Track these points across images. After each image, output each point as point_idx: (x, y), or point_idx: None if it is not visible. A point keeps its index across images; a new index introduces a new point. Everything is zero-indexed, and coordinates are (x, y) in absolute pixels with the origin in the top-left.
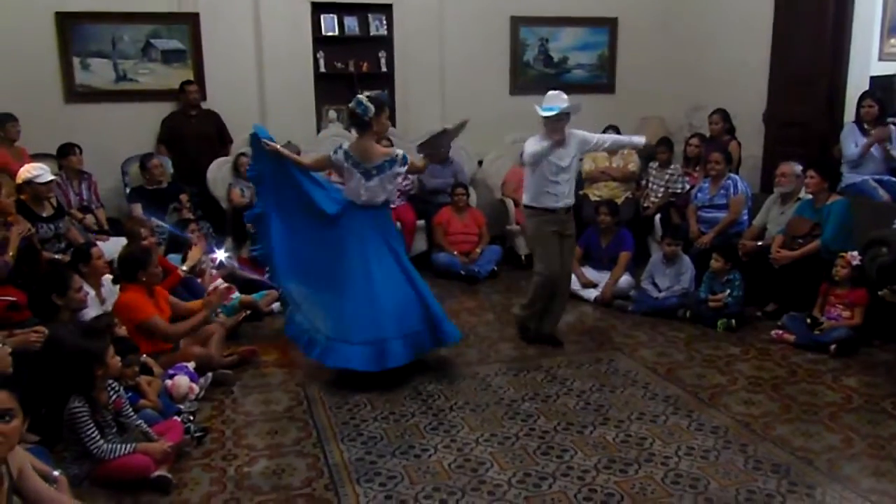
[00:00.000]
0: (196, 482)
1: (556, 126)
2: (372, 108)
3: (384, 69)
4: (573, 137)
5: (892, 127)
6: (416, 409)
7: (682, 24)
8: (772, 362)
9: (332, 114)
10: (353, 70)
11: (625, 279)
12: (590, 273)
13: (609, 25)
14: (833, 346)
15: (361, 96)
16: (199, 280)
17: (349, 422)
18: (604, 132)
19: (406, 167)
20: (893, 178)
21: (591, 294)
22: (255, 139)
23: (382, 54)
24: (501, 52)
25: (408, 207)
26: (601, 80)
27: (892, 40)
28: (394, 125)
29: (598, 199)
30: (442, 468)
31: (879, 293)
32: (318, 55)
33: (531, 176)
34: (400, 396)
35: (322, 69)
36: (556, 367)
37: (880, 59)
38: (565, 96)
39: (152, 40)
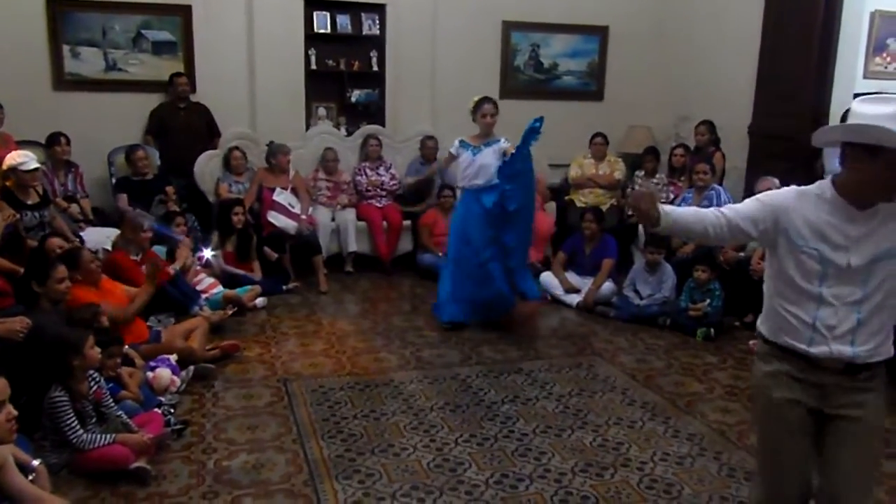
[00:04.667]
0: (175, 474)
1: None
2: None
3: (375, 69)
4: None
5: None
6: (397, 409)
7: (672, 36)
8: (748, 372)
9: (322, 111)
10: (344, 68)
11: (607, 286)
12: (573, 279)
13: (600, 34)
14: None
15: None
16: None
17: (329, 419)
18: (592, 139)
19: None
20: None
21: (574, 299)
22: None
23: (374, 54)
24: (492, 56)
25: (394, 207)
26: (590, 87)
27: (877, 59)
28: (383, 125)
29: (583, 205)
30: (420, 467)
31: None
32: (309, 52)
33: (773, 278)
34: (380, 395)
35: (313, 66)
36: (537, 370)
37: (865, 76)
38: None
39: (143, 31)
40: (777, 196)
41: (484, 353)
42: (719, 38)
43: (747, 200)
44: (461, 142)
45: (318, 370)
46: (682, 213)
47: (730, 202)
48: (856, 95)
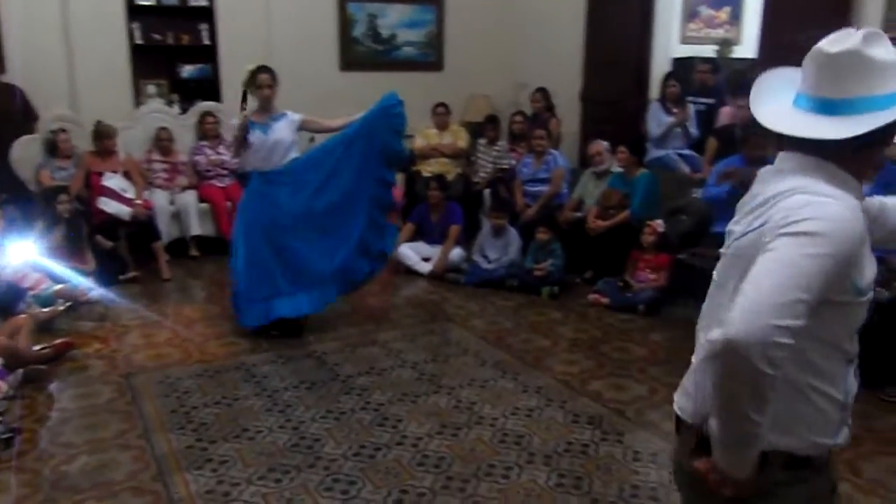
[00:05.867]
0: (4, 487)
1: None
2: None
3: (207, 42)
4: None
5: (692, 106)
6: (250, 392)
7: (506, 5)
8: (589, 324)
9: (152, 88)
10: (173, 42)
11: (456, 252)
12: (423, 248)
13: (436, 4)
14: (642, 307)
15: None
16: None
17: (178, 409)
18: (434, 109)
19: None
20: (693, 153)
21: (425, 268)
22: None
23: (204, 27)
24: (330, 28)
25: (238, 186)
26: (430, 57)
27: (692, 25)
28: (219, 101)
29: (430, 175)
30: (277, 448)
31: (679, 256)
32: (132, 26)
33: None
34: (232, 380)
35: (138, 41)
36: (392, 340)
37: (682, 42)
38: None
39: None
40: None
41: (338, 328)
42: (550, 8)
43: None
44: (250, 122)
45: (163, 361)
46: None
47: (566, 165)
48: (674, 60)
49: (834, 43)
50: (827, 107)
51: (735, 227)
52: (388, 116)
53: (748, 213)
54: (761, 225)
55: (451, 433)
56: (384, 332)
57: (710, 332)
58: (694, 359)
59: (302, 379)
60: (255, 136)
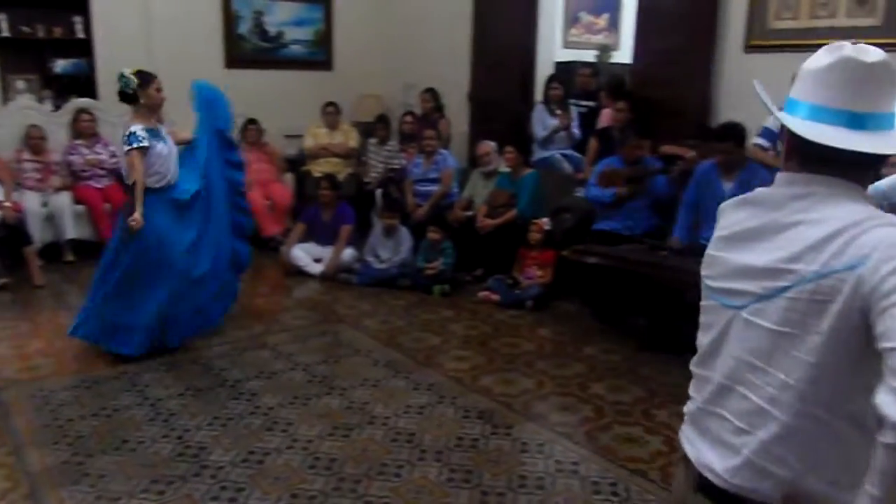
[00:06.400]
0: None
1: None
2: (135, 80)
3: (81, 36)
4: None
5: (574, 108)
6: (132, 402)
7: (393, 5)
8: (479, 321)
9: (21, 84)
10: (44, 36)
11: (348, 252)
12: (314, 249)
13: (324, 3)
14: (530, 303)
15: (124, 70)
16: None
17: (52, 423)
18: (324, 108)
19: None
20: (576, 154)
21: (317, 269)
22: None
23: (78, 19)
24: (213, 24)
25: (117, 187)
26: (319, 56)
27: (574, 30)
28: (95, 98)
29: (319, 174)
30: (160, 458)
31: (564, 253)
32: None
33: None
34: (112, 390)
35: (4, 33)
36: (282, 343)
37: (565, 46)
38: None
39: None
40: None
41: (226, 332)
42: (437, 9)
43: None
44: (149, 131)
45: (36, 373)
46: None
47: (455, 165)
48: (557, 63)
49: (863, 52)
50: (857, 121)
51: (765, 259)
52: (211, 104)
53: (789, 248)
54: (849, 268)
55: (343, 434)
56: (274, 334)
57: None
58: (695, 405)
59: (187, 386)
60: (159, 148)
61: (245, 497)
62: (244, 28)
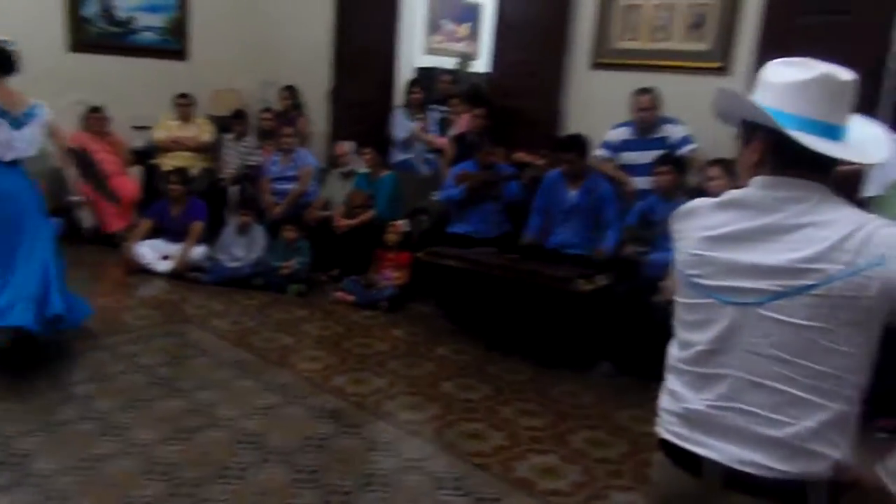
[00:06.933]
0: None
1: None
2: None
3: None
4: None
5: (433, 113)
6: None
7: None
8: (334, 321)
9: None
10: None
11: (199, 250)
12: (161, 245)
13: None
14: (385, 303)
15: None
16: None
17: None
18: (176, 99)
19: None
20: (433, 157)
21: (164, 266)
22: None
23: None
24: (54, 5)
25: None
26: (173, 45)
27: (436, 37)
28: None
29: (169, 168)
30: None
31: (419, 255)
32: None
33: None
34: None
35: None
36: (122, 344)
37: (427, 52)
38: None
39: None
40: None
41: (59, 331)
42: (298, 7)
43: None
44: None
45: None
46: None
47: (314, 164)
48: (418, 69)
49: (837, 71)
50: (832, 132)
51: (778, 259)
52: None
53: (808, 248)
54: (873, 265)
55: (184, 437)
56: (113, 335)
57: None
58: (696, 405)
59: (12, 390)
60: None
61: None
62: (90, 11)
